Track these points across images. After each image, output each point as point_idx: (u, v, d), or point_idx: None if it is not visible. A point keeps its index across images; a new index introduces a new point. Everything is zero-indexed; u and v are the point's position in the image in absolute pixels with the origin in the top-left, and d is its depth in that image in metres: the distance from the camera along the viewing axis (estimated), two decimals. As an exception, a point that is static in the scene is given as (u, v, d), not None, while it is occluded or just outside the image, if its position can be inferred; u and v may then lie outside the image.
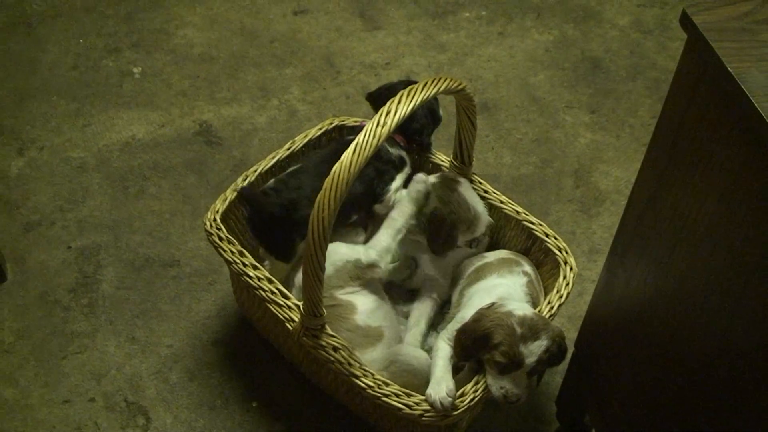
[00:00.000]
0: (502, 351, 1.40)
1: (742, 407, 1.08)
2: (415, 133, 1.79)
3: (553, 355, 1.44)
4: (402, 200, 1.67)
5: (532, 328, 1.41)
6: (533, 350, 1.40)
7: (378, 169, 1.72)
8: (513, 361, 1.40)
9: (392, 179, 1.74)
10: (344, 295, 1.58)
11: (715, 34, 1.00)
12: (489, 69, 2.43)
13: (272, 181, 1.70)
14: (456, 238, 1.64)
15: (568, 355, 1.63)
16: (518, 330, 1.40)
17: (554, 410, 1.74)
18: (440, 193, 1.64)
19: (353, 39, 2.49)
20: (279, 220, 1.62)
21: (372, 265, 1.60)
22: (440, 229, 1.62)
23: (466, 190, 1.67)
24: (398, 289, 1.77)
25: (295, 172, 1.69)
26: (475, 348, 1.43)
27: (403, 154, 1.78)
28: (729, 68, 0.96)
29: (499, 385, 1.42)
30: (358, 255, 1.60)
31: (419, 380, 1.48)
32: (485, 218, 1.69)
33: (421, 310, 1.72)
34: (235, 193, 1.69)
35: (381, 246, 1.62)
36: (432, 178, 1.67)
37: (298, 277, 1.63)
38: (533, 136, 2.27)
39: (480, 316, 1.45)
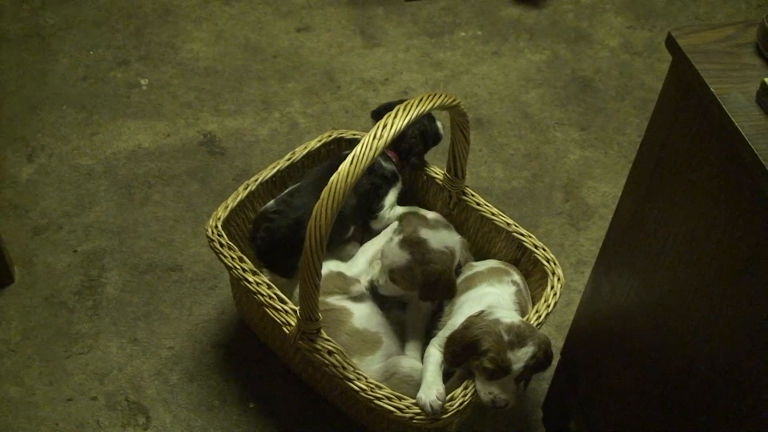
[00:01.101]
0: (490, 357, 1.43)
1: (720, 414, 1.12)
2: (403, 152, 1.85)
3: (540, 361, 1.47)
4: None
5: (519, 336, 1.44)
6: (520, 356, 1.43)
7: (372, 183, 1.77)
8: (500, 367, 1.43)
9: (386, 193, 1.80)
10: (337, 301, 1.64)
11: (699, 57, 1.04)
12: (483, 86, 2.50)
13: (272, 203, 1.74)
14: (454, 284, 1.63)
15: (555, 362, 1.67)
16: (506, 337, 1.43)
17: (541, 416, 1.78)
18: (418, 258, 1.58)
19: (353, 55, 2.56)
20: (286, 241, 1.68)
21: (354, 281, 1.69)
22: (438, 286, 1.61)
23: (433, 237, 1.61)
24: (392, 300, 1.82)
25: (295, 191, 1.74)
26: (465, 354, 1.47)
27: (396, 169, 1.84)
28: (711, 89, 1.00)
29: (487, 391, 1.46)
30: (342, 269, 1.70)
31: (414, 391, 1.52)
32: (458, 246, 1.66)
33: (416, 320, 1.75)
34: (237, 201, 1.74)
35: (359, 267, 1.74)
36: (397, 251, 1.60)
37: (297, 292, 1.70)
38: (525, 151, 2.33)
39: (469, 323, 1.49)
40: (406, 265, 1.59)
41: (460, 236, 1.72)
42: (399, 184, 1.85)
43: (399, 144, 1.84)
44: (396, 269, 1.61)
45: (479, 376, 1.47)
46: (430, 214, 1.85)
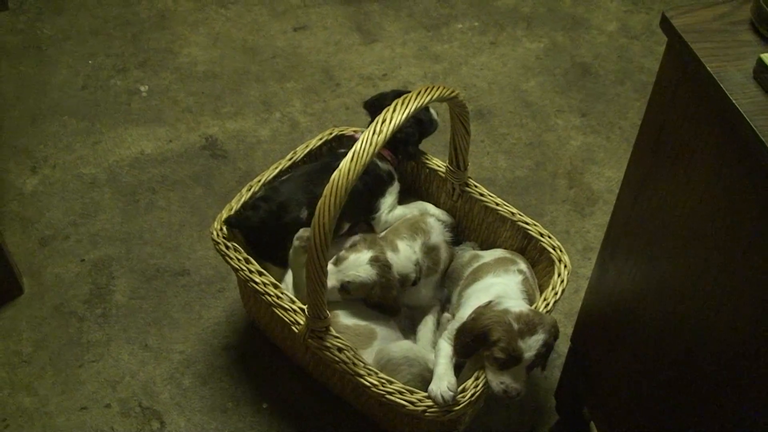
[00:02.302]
0: (501, 347, 1.43)
1: (728, 394, 1.12)
2: (400, 143, 1.84)
3: (550, 343, 1.48)
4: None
5: (529, 324, 1.44)
6: (531, 345, 1.44)
7: (367, 183, 1.77)
8: (512, 356, 1.44)
9: (382, 194, 1.80)
10: None
11: (694, 36, 1.04)
12: (482, 77, 2.50)
13: (261, 190, 1.75)
14: (398, 304, 1.68)
15: (565, 350, 1.68)
16: (515, 326, 1.44)
17: (554, 403, 1.78)
18: (382, 281, 1.63)
19: (351, 52, 2.56)
20: (270, 226, 1.69)
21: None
22: (385, 305, 1.66)
23: (396, 263, 1.65)
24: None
25: (284, 180, 1.76)
26: (475, 345, 1.47)
27: (392, 169, 1.84)
28: (708, 67, 1.00)
29: (499, 381, 1.46)
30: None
31: (416, 369, 1.55)
32: (411, 271, 1.68)
33: (427, 318, 1.77)
34: (240, 203, 1.75)
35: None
36: (366, 266, 1.63)
37: (287, 280, 1.71)
38: (527, 140, 2.33)
39: (478, 314, 1.49)
40: (371, 283, 1.63)
41: (426, 242, 1.73)
42: (396, 185, 1.84)
43: (393, 136, 1.84)
44: (357, 283, 1.63)
45: (490, 367, 1.47)
46: (434, 211, 1.86)
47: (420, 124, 1.87)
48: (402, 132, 1.83)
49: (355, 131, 1.93)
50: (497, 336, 1.44)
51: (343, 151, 1.85)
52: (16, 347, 1.85)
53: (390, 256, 1.66)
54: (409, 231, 1.73)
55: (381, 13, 2.69)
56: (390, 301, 1.65)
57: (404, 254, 1.68)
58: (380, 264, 1.63)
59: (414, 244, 1.71)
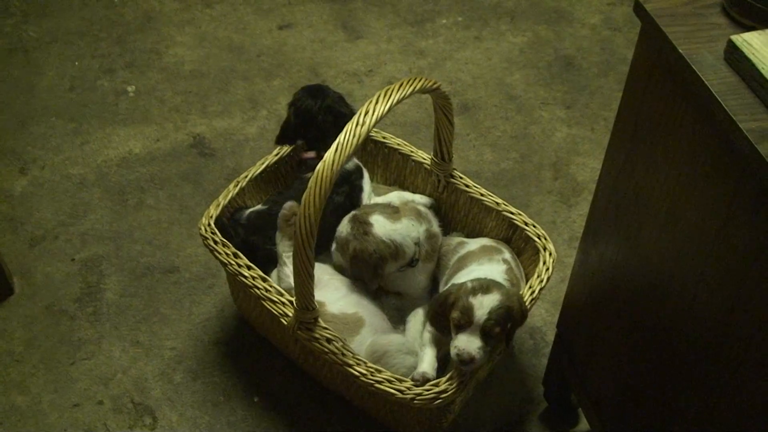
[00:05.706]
0: (457, 306, 1.46)
1: (709, 371, 1.13)
2: (316, 138, 1.83)
3: (511, 313, 1.47)
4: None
5: (484, 285, 1.47)
6: (483, 302, 1.44)
7: (347, 194, 1.78)
8: (464, 313, 1.45)
9: (361, 189, 1.82)
10: None
11: (667, 20, 1.06)
12: (467, 71, 2.52)
13: (263, 202, 1.79)
14: (380, 272, 1.67)
15: (552, 338, 1.70)
16: (470, 285, 1.48)
17: (542, 391, 1.80)
18: (356, 234, 1.66)
19: (336, 49, 2.58)
20: (251, 247, 1.73)
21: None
22: (364, 267, 1.66)
23: (381, 227, 1.66)
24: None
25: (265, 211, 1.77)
26: (442, 312, 1.50)
27: (357, 162, 1.84)
28: (680, 50, 1.02)
29: (454, 345, 1.47)
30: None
31: (409, 362, 1.56)
32: (409, 245, 1.68)
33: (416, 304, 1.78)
34: (228, 199, 1.77)
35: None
36: (346, 223, 1.69)
37: (273, 274, 1.74)
38: (512, 132, 2.35)
39: (449, 288, 1.54)
40: (345, 237, 1.68)
41: (429, 228, 1.74)
42: (365, 175, 1.85)
43: (309, 131, 1.82)
44: (338, 238, 1.70)
45: (453, 332, 1.48)
46: (411, 197, 1.87)
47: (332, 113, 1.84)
48: (317, 128, 1.81)
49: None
50: (453, 298, 1.47)
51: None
52: (8, 346, 1.86)
53: (375, 218, 1.67)
54: (415, 214, 1.74)
55: (365, 9, 2.70)
56: (362, 256, 1.64)
57: (405, 227, 1.68)
58: (358, 219, 1.67)
59: (419, 226, 1.72)
